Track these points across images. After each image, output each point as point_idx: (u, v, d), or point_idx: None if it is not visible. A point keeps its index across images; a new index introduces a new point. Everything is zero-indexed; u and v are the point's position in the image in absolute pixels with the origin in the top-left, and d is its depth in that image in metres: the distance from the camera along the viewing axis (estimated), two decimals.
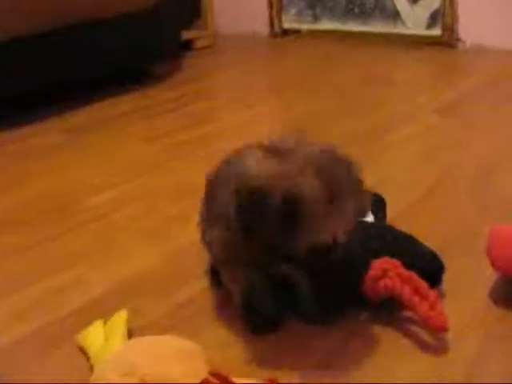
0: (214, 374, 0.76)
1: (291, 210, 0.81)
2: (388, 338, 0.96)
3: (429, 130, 1.93)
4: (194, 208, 1.41)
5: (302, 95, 2.39)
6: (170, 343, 0.78)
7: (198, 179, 1.58)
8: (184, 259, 1.21)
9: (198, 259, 1.15)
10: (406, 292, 0.96)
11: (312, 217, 0.82)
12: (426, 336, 0.95)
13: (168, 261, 1.21)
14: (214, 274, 1.06)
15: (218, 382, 0.76)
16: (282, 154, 0.85)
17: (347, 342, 0.95)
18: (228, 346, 0.93)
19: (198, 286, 1.10)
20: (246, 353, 0.92)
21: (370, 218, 1.14)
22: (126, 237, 1.33)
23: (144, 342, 0.80)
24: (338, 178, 0.84)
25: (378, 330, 0.98)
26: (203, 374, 0.74)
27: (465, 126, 1.96)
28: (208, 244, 0.98)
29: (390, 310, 1.01)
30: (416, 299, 0.96)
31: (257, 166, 0.84)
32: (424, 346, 0.93)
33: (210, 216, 0.97)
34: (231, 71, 2.91)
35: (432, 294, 0.96)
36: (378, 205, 1.20)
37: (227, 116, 2.23)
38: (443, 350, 0.92)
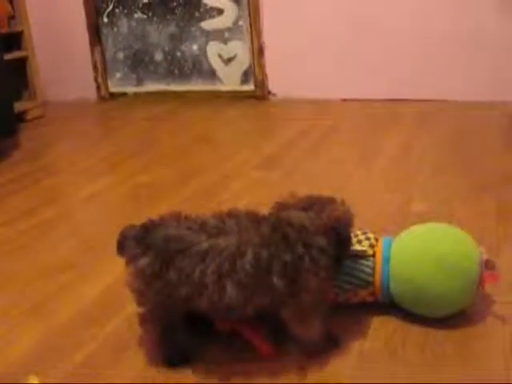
0: None
1: None
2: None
3: (253, 185, 2.24)
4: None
5: (139, 164, 2.59)
6: None
7: (56, 258, 1.76)
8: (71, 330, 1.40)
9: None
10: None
11: None
12: None
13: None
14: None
15: None
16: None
17: None
18: None
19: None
20: None
21: None
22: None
23: None
24: None
25: None
26: None
27: (284, 177, 2.30)
28: None
29: None
30: None
31: None
32: None
33: None
34: (66, 143, 3.02)
35: None
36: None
37: (74, 192, 2.37)
38: None
